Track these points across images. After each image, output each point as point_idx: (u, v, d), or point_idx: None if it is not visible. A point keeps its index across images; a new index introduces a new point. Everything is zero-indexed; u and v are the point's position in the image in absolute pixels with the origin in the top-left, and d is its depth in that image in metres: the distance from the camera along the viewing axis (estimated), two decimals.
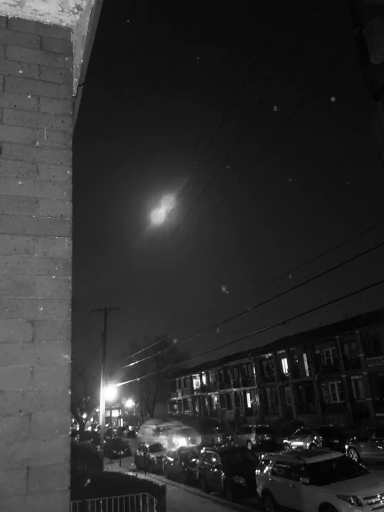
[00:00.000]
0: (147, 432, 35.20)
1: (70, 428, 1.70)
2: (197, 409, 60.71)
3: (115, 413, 73.37)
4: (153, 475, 23.19)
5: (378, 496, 10.56)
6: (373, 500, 10.44)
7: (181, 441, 29.51)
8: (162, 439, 30.24)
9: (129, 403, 72.22)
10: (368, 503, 10.34)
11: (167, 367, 53.82)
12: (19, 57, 2.06)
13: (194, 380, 63.53)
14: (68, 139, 2.02)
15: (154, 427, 33.30)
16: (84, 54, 2.19)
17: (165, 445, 27.90)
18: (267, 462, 14.30)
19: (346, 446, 22.15)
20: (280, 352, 45.28)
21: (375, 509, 10.30)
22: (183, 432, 32.11)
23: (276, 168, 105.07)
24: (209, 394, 58.16)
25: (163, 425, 34.81)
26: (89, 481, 11.92)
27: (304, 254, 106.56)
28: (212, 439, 35.60)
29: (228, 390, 53.23)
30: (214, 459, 17.39)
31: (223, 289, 58.42)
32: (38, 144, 1.95)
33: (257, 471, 14.54)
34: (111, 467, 27.23)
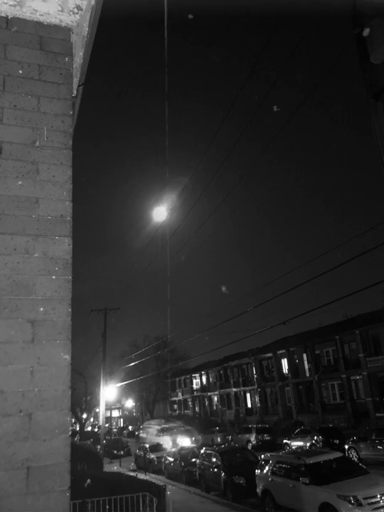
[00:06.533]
0: (151, 431, 35.52)
1: (70, 428, 1.70)
2: (197, 409, 60.71)
3: (115, 413, 73.24)
4: (153, 475, 23.18)
5: (378, 496, 10.54)
6: (373, 500, 10.43)
7: (185, 441, 30.25)
8: (166, 440, 30.55)
9: (129, 403, 72.22)
10: (368, 503, 10.32)
11: (167, 367, 53.84)
12: (19, 57, 2.06)
13: (194, 380, 63.55)
14: (68, 139, 2.02)
15: (158, 427, 34.49)
16: (84, 54, 2.19)
17: (168, 445, 28.33)
18: (267, 462, 14.28)
19: (346, 446, 22.14)
20: (280, 352, 45.28)
21: (375, 509, 10.29)
22: (187, 432, 33.30)
23: (277, 167, 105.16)
24: (209, 394, 58.15)
25: (167, 426, 35.37)
26: (89, 481, 11.93)
27: (304, 254, 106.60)
28: (212, 439, 35.61)
29: (228, 390, 53.22)
30: (214, 459, 17.38)
31: (223, 289, 58.43)
32: (38, 144, 1.95)
33: (257, 471, 14.52)
34: (111, 467, 27.24)
